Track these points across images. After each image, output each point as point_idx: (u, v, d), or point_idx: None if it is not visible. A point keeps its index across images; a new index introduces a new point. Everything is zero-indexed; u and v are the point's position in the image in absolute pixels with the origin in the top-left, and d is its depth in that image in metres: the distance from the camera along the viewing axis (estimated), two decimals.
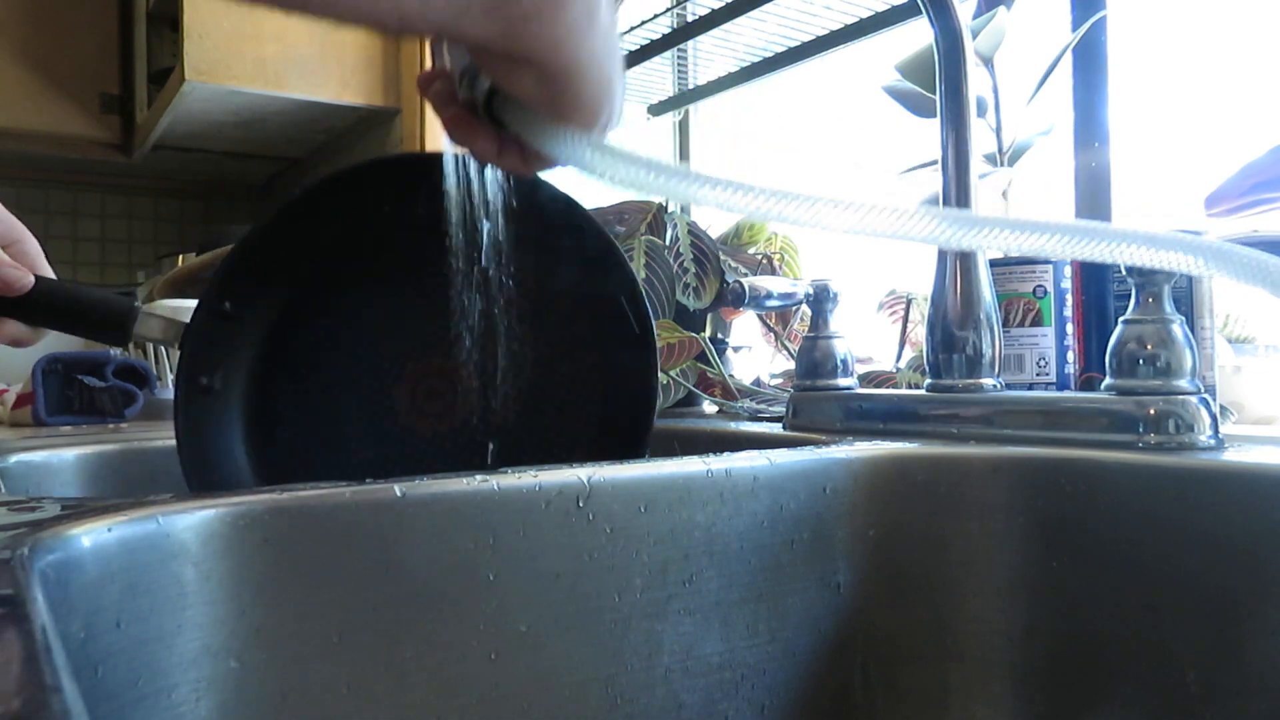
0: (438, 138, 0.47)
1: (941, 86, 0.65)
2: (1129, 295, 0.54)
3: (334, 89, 1.73)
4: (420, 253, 0.60)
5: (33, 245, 0.60)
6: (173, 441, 0.57)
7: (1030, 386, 0.71)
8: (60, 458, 0.70)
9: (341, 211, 0.60)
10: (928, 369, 0.66)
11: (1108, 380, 0.55)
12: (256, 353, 0.60)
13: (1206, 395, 0.52)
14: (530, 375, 0.63)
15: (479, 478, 0.43)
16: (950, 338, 0.64)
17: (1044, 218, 0.33)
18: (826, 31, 1.25)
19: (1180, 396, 0.52)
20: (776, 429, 0.75)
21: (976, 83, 0.70)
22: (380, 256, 0.62)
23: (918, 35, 1.07)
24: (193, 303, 0.60)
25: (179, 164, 2.23)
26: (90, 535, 0.32)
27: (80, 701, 0.17)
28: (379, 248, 0.62)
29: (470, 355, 0.60)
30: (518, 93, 0.37)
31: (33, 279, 0.57)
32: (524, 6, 0.32)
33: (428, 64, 0.44)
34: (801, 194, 0.34)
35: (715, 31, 1.31)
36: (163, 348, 1.17)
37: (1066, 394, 0.65)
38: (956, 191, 0.65)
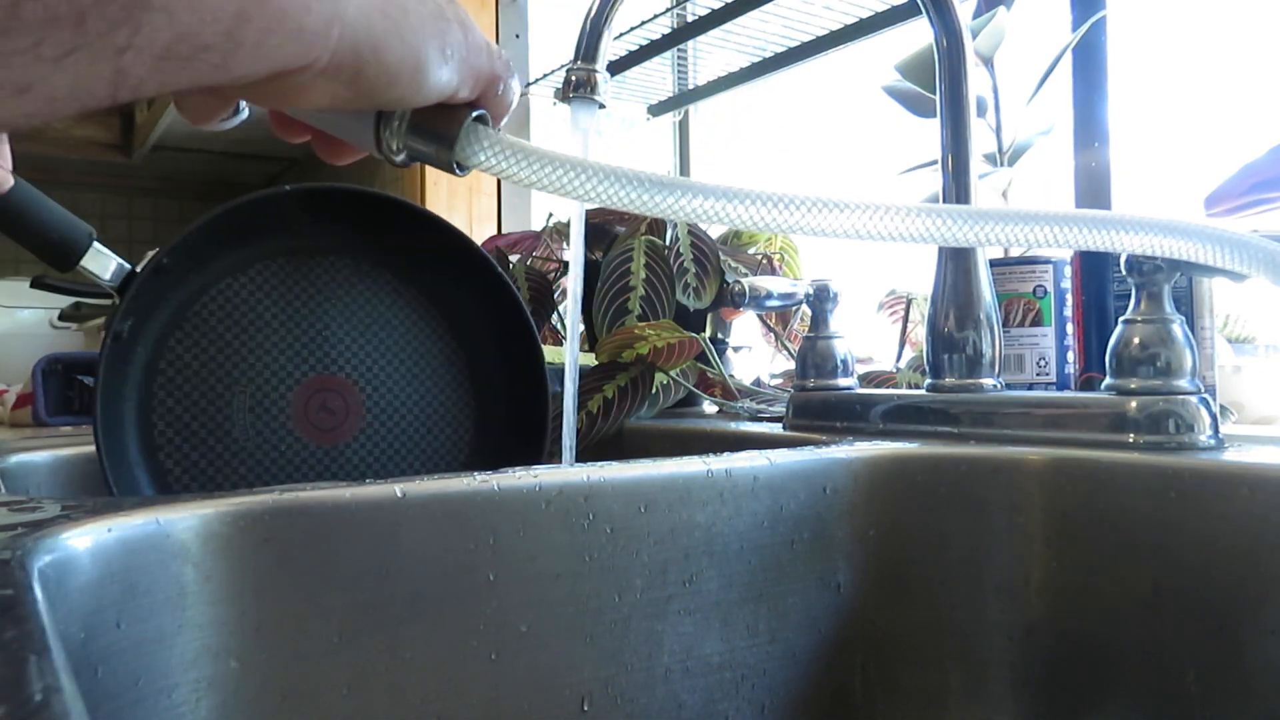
0: None
1: (941, 86, 0.65)
2: (1129, 295, 0.54)
3: None
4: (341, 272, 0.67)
5: (5, 149, 0.58)
6: None
7: (1030, 386, 0.71)
8: (60, 458, 0.70)
9: (298, 218, 0.65)
10: (928, 369, 0.66)
11: (1108, 380, 0.55)
12: (170, 311, 0.62)
13: (1206, 395, 0.52)
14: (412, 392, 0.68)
15: (479, 478, 0.43)
16: (950, 338, 0.64)
17: (1042, 208, 0.33)
18: (826, 31, 1.25)
19: (1180, 396, 0.52)
20: (776, 429, 0.75)
21: (976, 83, 0.70)
22: (316, 264, 0.67)
23: (918, 35, 1.07)
24: None
25: (179, 164, 2.23)
26: (90, 535, 0.32)
27: (80, 701, 0.17)
28: (314, 255, 0.67)
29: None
30: (327, 98, 0.30)
31: (12, 181, 0.55)
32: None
33: None
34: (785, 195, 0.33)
35: (715, 32, 1.31)
36: None
37: (1066, 394, 0.65)
38: (956, 191, 0.65)
